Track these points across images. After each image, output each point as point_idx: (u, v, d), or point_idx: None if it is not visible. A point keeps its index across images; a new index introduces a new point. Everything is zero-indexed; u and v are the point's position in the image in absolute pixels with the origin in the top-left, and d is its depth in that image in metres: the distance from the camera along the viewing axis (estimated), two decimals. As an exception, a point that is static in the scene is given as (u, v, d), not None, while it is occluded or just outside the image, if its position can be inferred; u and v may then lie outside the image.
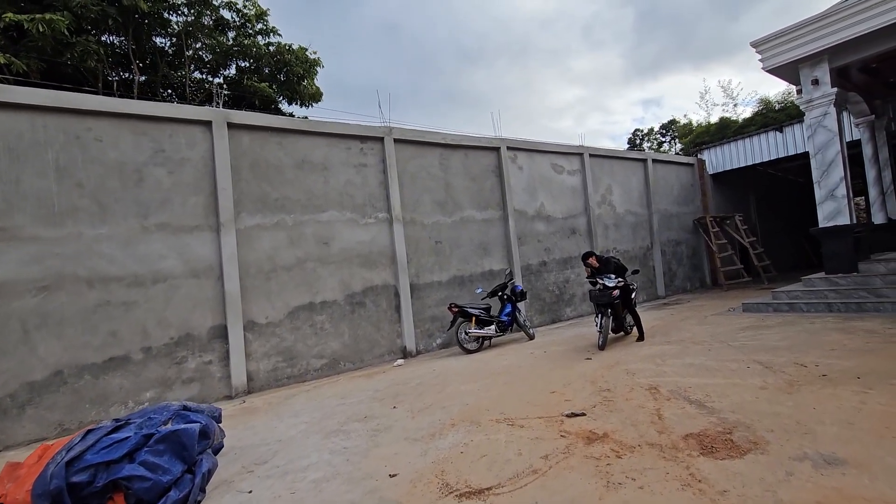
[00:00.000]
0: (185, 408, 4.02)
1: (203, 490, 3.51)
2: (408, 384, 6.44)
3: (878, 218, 11.14)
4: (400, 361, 7.99)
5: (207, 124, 6.93)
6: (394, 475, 3.51)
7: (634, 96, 54.28)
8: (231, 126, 7.13)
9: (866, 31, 7.75)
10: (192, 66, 11.25)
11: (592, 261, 7.68)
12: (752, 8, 56.64)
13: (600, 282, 7.39)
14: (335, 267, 7.94)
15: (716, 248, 14.32)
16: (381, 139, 8.65)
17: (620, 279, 7.36)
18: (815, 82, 8.71)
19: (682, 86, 53.28)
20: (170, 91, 11.98)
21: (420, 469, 3.57)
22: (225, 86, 10.29)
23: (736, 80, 30.04)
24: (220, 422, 4.33)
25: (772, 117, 15.96)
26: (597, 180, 12.46)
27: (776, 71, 9.12)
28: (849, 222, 8.57)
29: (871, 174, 11.22)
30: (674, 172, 14.80)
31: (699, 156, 15.99)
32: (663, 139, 33.33)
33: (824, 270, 9.06)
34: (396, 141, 8.84)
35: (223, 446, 4.37)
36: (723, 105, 40.33)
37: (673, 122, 32.10)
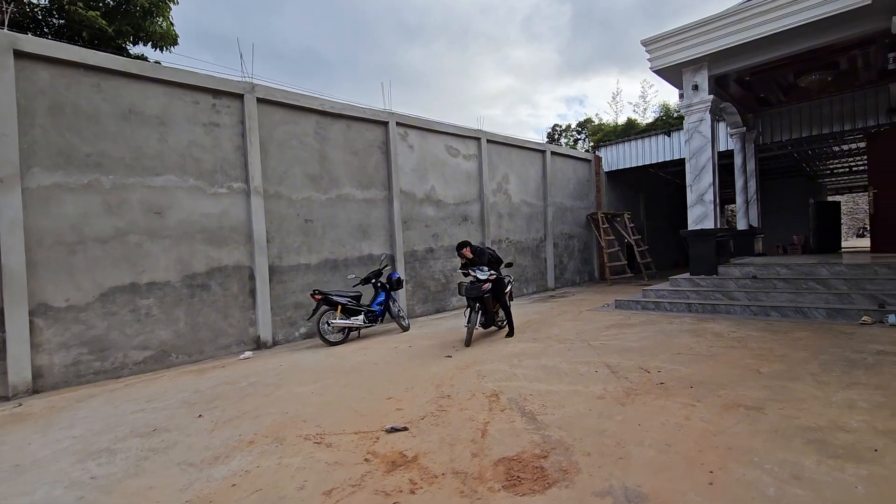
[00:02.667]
0: None
1: None
2: (238, 384, 5.54)
3: (741, 224, 11.98)
4: (248, 354, 7.01)
5: (-16, 49, 5.35)
6: (123, 524, 2.67)
7: (561, 92, 55.81)
8: (21, 56, 5.58)
9: (740, 42, 7.96)
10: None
11: (467, 251, 7.21)
12: (682, 17, 60.29)
13: (472, 274, 6.95)
14: (171, 242, 6.70)
15: (604, 244, 14.78)
16: (241, 97, 7.44)
17: (493, 272, 6.97)
18: (695, 88, 8.90)
19: (606, 87, 55.76)
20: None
21: (164, 513, 2.76)
22: (31, 4, 8.17)
23: (655, 88, 31.67)
24: None
25: (671, 123, 16.76)
26: (494, 167, 12.13)
27: (662, 72, 9.22)
28: (713, 226, 8.94)
29: (739, 182, 12.01)
30: (571, 166, 14.98)
31: (597, 152, 16.37)
32: (579, 136, 34.50)
33: (689, 271, 9.45)
34: (261, 101, 7.67)
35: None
36: (634, 106, 42.76)
37: (588, 120, 33.29)
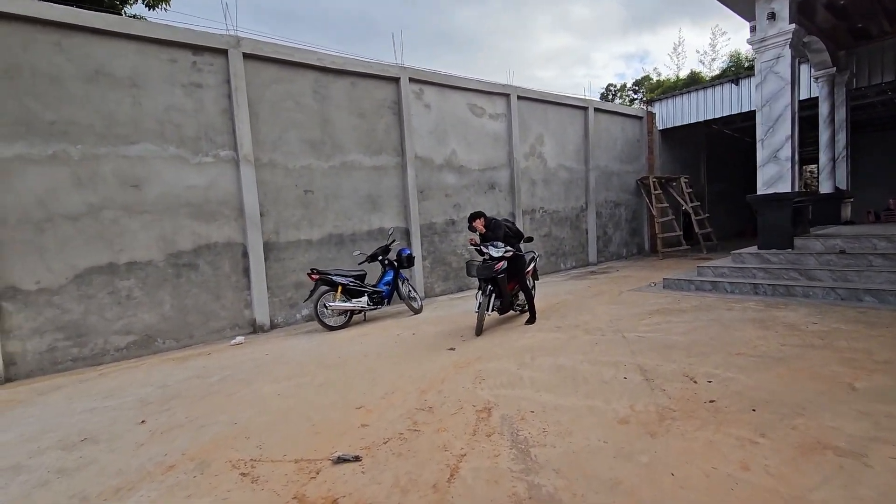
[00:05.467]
0: None
1: None
2: (210, 377, 4.92)
3: (824, 187, 10.04)
4: (239, 339, 6.44)
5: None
6: None
7: (621, 50, 50.85)
8: (-35, 11, 5.00)
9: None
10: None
11: (479, 223, 6.17)
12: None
13: (485, 251, 5.92)
14: (151, 218, 6.13)
15: (656, 213, 13.12)
16: (225, 52, 6.62)
17: (509, 248, 5.90)
18: (772, 16, 7.13)
19: (673, 42, 50.50)
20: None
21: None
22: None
23: (727, 36, 28.05)
24: None
25: (744, 75, 14.40)
26: (526, 127, 10.78)
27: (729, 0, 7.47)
28: (790, 189, 7.31)
29: (823, 137, 9.99)
30: (619, 125, 13.25)
31: (649, 108, 14.44)
32: (636, 96, 31.55)
33: (757, 244, 7.89)
34: (248, 57, 6.82)
35: None
36: (701, 56, 38.67)
37: (646, 77, 30.25)
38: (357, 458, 2.91)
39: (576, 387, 3.83)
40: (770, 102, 7.41)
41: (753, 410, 3.15)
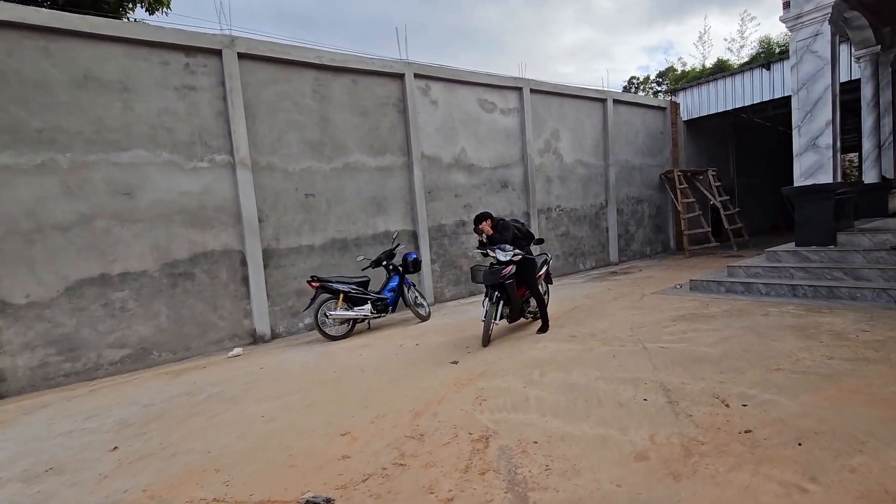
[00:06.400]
0: None
1: None
2: (198, 395, 4.65)
3: (869, 176, 9.20)
4: (237, 351, 6.18)
5: None
6: None
7: (644, 42, 49.16)
8: (-54, 18, 4.86)
9: None
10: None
11: (486, 225, 5.73)
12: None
13: (491, 254, 5.49)
14: (144, 226, 5.92)
15: (682, 208, 12.40)
16: (219, 53, 6.37)
17: (518, 251, 5.45)
18: (808, -11, 6.46)
19: (698, 32, 48.63)
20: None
21: None
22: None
23: (756, 21, 26.79)
24: None
25: (776, 59, 13.50)
26: (540, 122, 10.27)
27: (759, -26, 6.81)
28: (831, 180, 6.63)
29: (867, 122, 9.15)
30: (640, 117, 12.58)
31: (673, 98, 13.70)
32: (659, 89, 30.41)
33: (794, 241, 7.21)
34: (244, 57, 6.56)
35: None
36: (729, 43, 37.14)
37: (670, 69, 29.14)
38: (328, 502, 2.53)
39: (588, 410, 3.36)
40: (807, 85, 6.73)
41: (799, 444, 2.64)
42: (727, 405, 3.22)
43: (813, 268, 6.52)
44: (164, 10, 8.46)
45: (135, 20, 8.50)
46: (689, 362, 4.14)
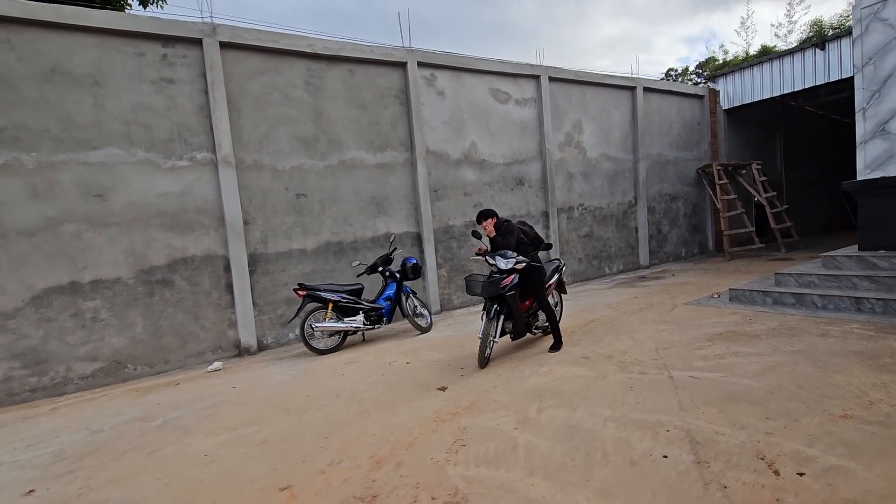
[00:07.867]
0: None
1: None
2: (152, 420, 4.15)
3: (948, 167, 7.89)
4: (217, 365, 5.68)
5: None
6: None
7: (684, 32, 46.58)
8: None
9: None
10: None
11: (489, 224, 5.01)
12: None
13: (490, 262, 4.77)
14: (119, 231, 5.50)
15: (721, 206, 11.23)
16: (199, 42, 5.90)
17: (522, 259, 4.71)
18: (877, -57, 5.41)
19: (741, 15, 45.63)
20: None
21: None
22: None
23: (807, 2, 24.69)
24: None
25: (831, 37, 12.07)
26: (560, 113, 9.41)
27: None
28: (905, 172, 5.55)
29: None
30: (674, 106, 11.48)
31: (711, 85, 12.49)
32: (699, 80, 28.66)
33: (858, 244, 6.14)
34: (226, 46, 6.07)
35: None
36: (776, 28, 34.68)
37: (710, 59, 27.34)
38: None
39: (588, 469, 2.61)
40: (874, 60, 5.67)
41: (888, 552, 1.82)
42: (776, 473, 2.41)
43: (882, 277, 5.46)
44: (161, 3, 8.13)
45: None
46: (726, 401, 3.31)
